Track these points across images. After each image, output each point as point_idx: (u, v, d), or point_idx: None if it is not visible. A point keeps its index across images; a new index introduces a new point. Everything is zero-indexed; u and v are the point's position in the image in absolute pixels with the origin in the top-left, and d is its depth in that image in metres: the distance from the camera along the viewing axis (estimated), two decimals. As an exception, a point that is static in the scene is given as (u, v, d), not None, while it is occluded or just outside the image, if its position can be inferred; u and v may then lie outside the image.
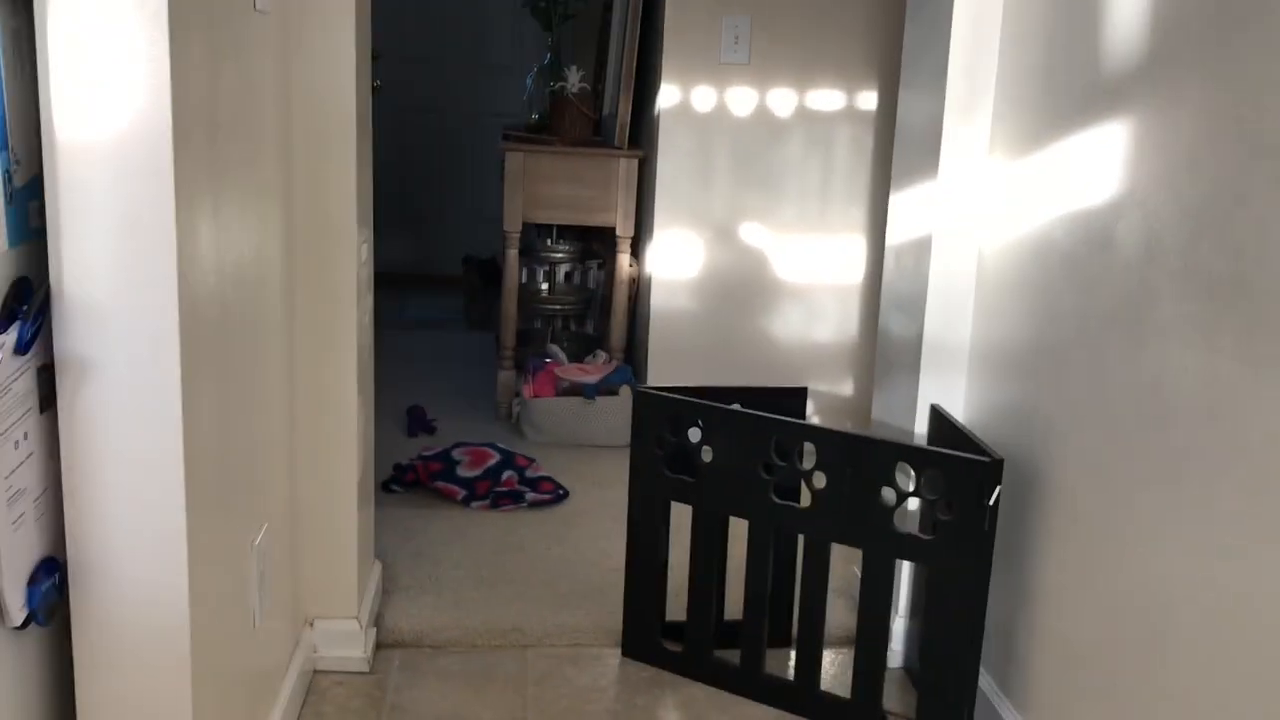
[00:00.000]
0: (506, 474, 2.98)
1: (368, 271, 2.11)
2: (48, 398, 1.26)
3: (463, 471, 2.96)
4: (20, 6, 1.19)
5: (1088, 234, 1.67)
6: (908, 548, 1.87)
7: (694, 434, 2.10)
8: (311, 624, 2.08)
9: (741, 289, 3.39)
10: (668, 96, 3.27)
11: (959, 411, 2.12)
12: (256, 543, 1.67)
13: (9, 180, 1.19)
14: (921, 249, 2.12)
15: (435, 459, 3.00)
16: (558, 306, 3.86)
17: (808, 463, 1.97)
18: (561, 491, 2.98)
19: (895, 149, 2.28)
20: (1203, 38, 1.40)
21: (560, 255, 3.82)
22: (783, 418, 1.98)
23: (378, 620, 2.24)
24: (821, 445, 1.93)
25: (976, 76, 2.02)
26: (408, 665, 2.13)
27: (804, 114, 3.30)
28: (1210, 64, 1.38)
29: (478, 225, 5.63)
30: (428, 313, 5.41)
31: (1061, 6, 1.78)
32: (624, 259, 3.59)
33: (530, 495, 2.92)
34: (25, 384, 1.21)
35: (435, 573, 2.49)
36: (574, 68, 3.62)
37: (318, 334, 1.97)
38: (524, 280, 3.85)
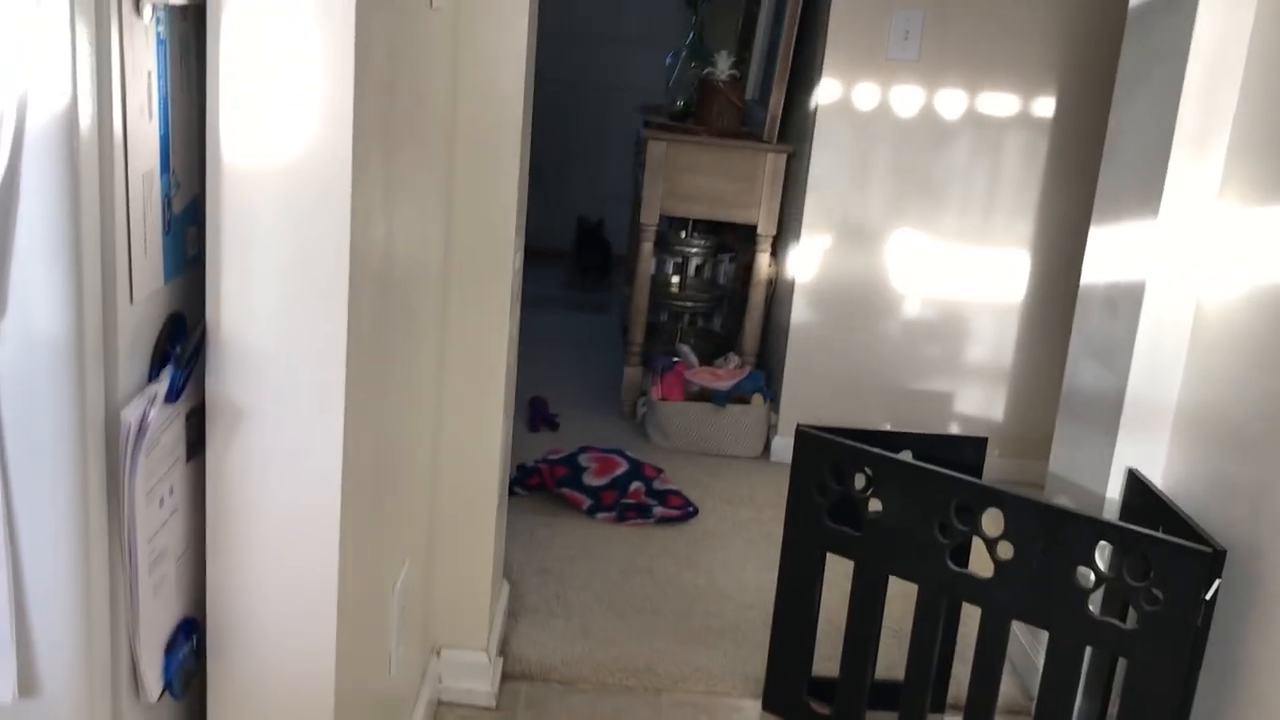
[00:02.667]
0: (634, 485, 2.83)
1: (519, 282, 1.97)
2: (194, 445, 1.14)
3: (589, 479, 2.82)
4: (190, 11, 1.05)
5: (1359, 307, 1.45)
6: (1103, 636, 1.67)
7: (859, 480, 1.92)
8: (439, 653, 1.96)
9: (891, 299, 3.18)
10: (828, 91, 3.06)
11: (1158, 479, 1.90)
12: (398, 584, 1.55)
13: (168, 206, 1.06)
14: (1132, 294, 1.90)
15: (561, 463, 2.87)
16: (689, 304, 3.68)
17: (991, 528, 1.78)
18: (691, 508, 2.82)
19: (1102, 176, 2.05)
20: None
21: (695, 249, 3.65)
22: (966, 477, 1.79)
23: (504, 647, 2.11)
24: (1011, 512, 1.74)
25: (1213, 109, 1.79)
26: (535, 702, 2.00)
27: (973, 117, 3.06)
28: None
29: (598, 200, 5.47)
30: (542, 287, 5.29)
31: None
32: (764, 258, 3.40)
33: (658, 510, 2.78)
34: (174, 434, 1.09)
35: (562, 593, 2.36)
36: (724, 53, 3.42)
37: (469, 349, 1.83)
38: (653, 271, 3.68)
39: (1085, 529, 1.68)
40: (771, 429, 3.27)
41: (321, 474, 1.14)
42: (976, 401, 3.24)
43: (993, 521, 1.77)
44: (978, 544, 1.81)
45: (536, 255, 5.85)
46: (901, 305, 3.19)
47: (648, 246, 3.41)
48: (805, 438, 1.95)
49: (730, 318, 3.90)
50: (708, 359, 3.46)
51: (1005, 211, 3.12)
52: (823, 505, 1.94)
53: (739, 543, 2.70)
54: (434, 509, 1.87)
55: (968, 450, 2.02)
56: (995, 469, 3.24)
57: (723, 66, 3.38)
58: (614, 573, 2.49)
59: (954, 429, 3.25)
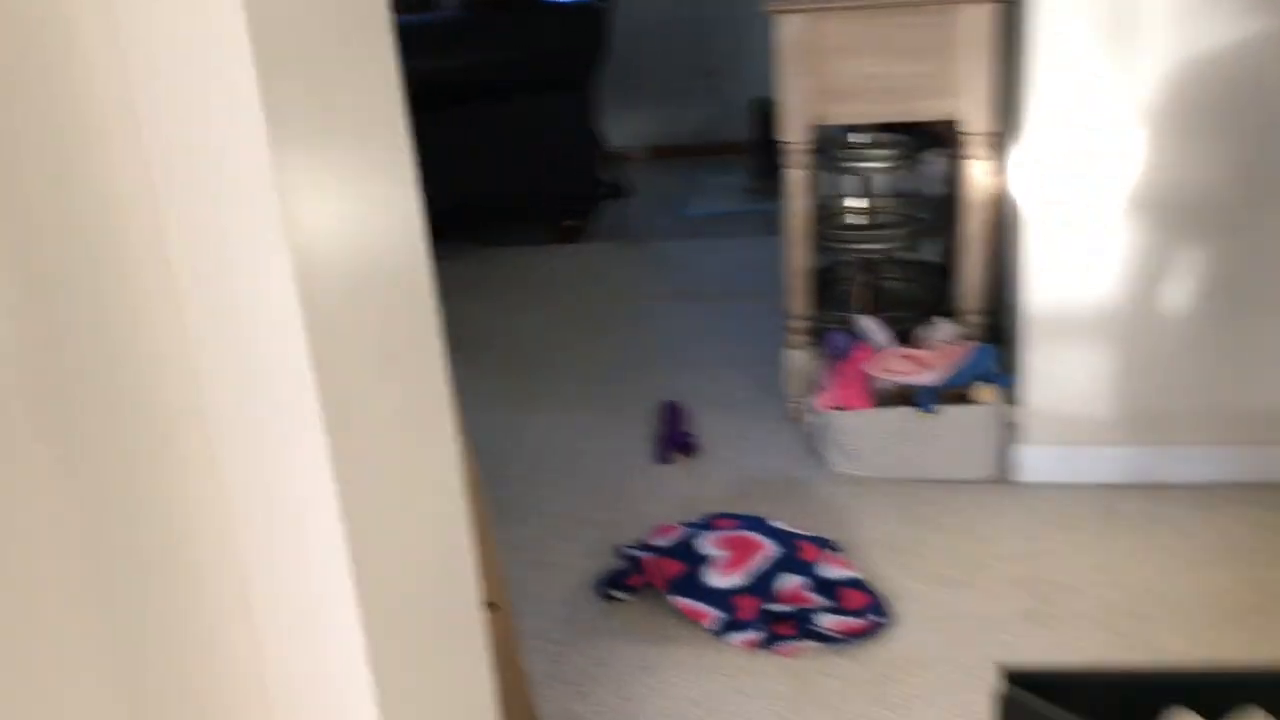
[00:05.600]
0: (784, 581, 1.82)
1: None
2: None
3: (714, 578, 1.83)
4: None
5: None
6: None
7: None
8: None
9: (1206, 215, 1.95)
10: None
11: None
12: None
13: None
14: None
15: (672, 553, 1.89)
16: (876, 245, 2.52)
17: None
18: (880, 617, 1.78)
19: None
20: None
21: (878, 162, 2.48)
22: None
23: None
24: None
25: None
26: None
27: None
28: None
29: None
30: (712, 198, 4.21)
31: None
32: (980, 168, 2.23)
33: (828, 621, 1.75)
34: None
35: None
36: None
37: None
38: (821, 196, 2.56)
39: None
40: (1012, 431, 2.15)
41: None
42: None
43: None
44: None
45: (705, 153, 4.71)
46: (1234, 218, 1.95)
47: (798, 177, 2.30)
48: (1017, 710, 0.88)
49: (948, 242, 2.72)
50: (908, 328, 2.34)
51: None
52: None
53: (960, 677, 1.64)
54: None
55: None
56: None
57: (882, -120, 2.17)
58: (745, 771, 1.51)
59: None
